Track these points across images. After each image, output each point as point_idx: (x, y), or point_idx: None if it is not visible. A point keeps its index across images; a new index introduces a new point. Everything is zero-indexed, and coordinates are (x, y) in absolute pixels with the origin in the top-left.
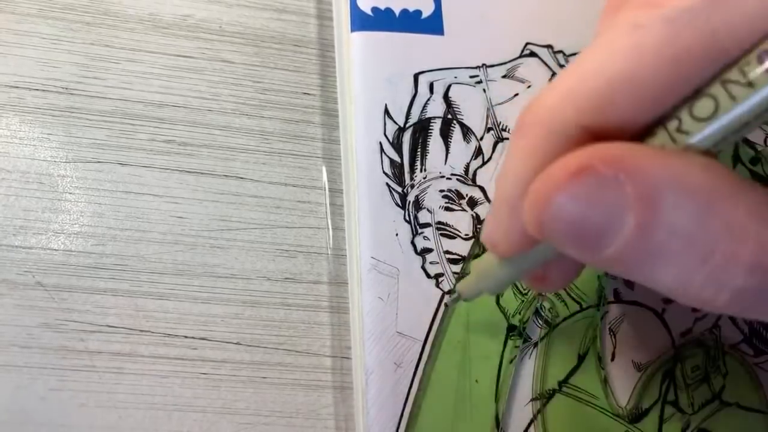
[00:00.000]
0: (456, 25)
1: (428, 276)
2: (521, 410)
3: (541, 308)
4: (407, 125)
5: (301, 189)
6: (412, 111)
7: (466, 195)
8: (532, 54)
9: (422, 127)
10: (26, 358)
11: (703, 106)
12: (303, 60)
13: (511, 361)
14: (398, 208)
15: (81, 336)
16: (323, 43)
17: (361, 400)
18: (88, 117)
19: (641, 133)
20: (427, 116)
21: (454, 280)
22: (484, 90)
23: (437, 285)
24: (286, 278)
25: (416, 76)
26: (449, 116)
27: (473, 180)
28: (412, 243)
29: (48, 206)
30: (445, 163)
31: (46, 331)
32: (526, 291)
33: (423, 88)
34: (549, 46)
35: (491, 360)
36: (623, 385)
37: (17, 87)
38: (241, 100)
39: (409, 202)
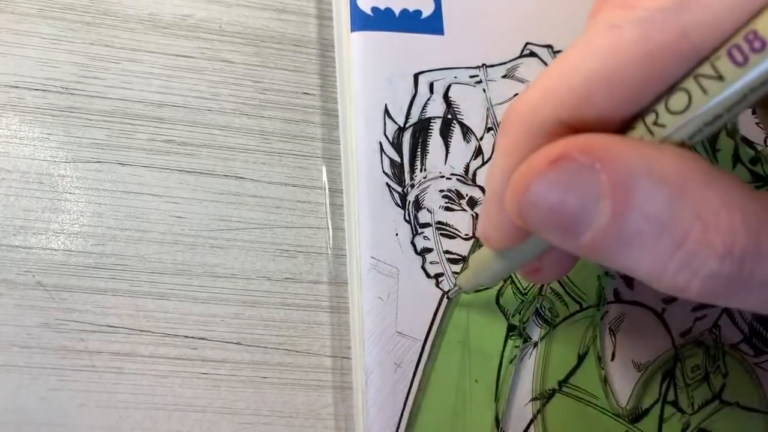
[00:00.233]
0: (456, 25)
1: (428, 276)
2: (521, 410)
3: (541, 308)
4: (407, 125)
5: (301, 189)
6: (412, 111)
7: (466, 195)
8: (532, 54)
9: (422, 127)
10: (26, 358)
11: (677, 99)
12: (303, 60)
13: (511, 361)
14: (398, 208)
15: (81, 336)
16: (323, 43)
17: (361, 400)
18: (88, 117)
19: (621, 128)
20: (427, 116)
21: (453, 280)
22: (484, 90)
23: (437, 285)
24: (286, 278)
25: (416, 76)
26: (449, 116)
27: (473, 180)
28: (412, 243)
29: (48, 206)
30: (445, 163)
31: (46, 331)
32: (526, 291)
33: (423, 88)
34: (549, 46)
35: (491, 360)
36: (623, 385)
37: (17, 87)
38: (241, 100)
39: (409, 201)
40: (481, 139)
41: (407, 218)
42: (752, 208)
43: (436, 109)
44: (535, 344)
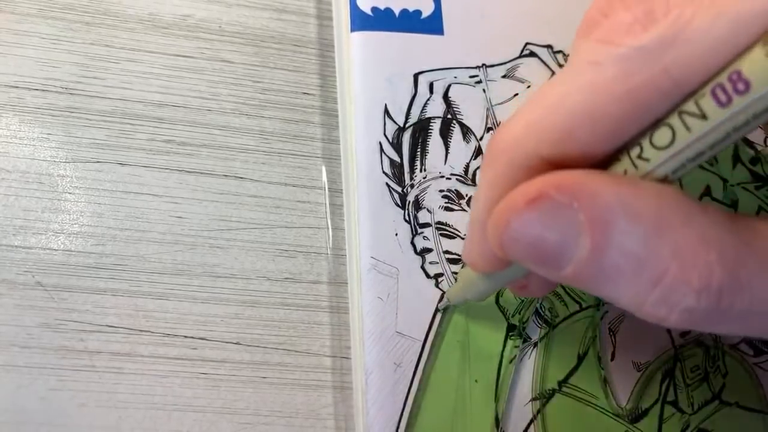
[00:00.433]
0: (456, 25)
1: (428, 276)
2: (521, 410)
3: (541, 308)
4: (407, 125)
5: (300, 189)
6: (411, 111)
7: (466, 195)
8: (532, 54)
9: (422, 127)
10: (26, 358)
11: (661, 135)
12: (303, 60)
13: (510, 361)
14: (398, 208)
15: (81, 336)
16: (323, 43)
17: (361, 400)
18: (87, 117)
19: (605, 160)
20: (426, 116)
21: (453, 280)
22: (484, 90)
23: (437, 285)
24: (286, 278)
25: (416, 76)
26: (449, 116)
27: (473, 180)
28: (412, 243)
29: (48, 206)
30: (445, 163)
31: (46, 331)
32: None
33: (423, 88)
34: (549, 46)
35: (491, 360)
36: (623, 385)
37: (17, 87)
38: (241, 100)
39: (409, 202)
40: (481, 139)
41: (407, 218)
42: (730, 242)
43: (436, 109)
44: (535, 344)
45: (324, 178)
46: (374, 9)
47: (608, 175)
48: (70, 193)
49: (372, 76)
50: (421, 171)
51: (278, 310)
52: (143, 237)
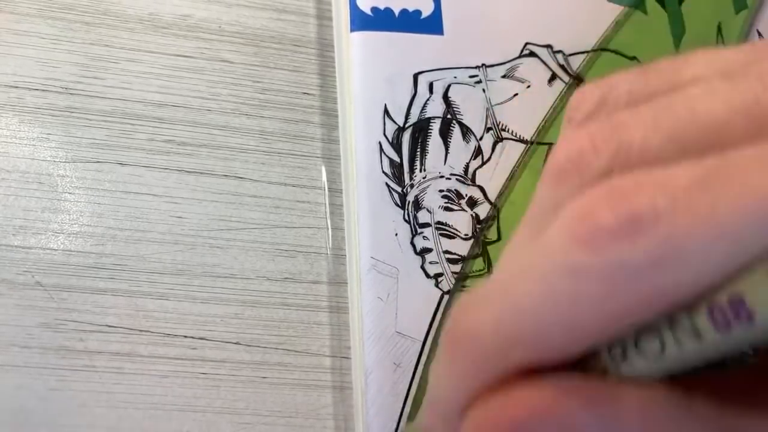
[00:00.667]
0: (456, 25)
1: (428, 276)
2: None
3: None
4: (407, 125)
5: (300, 189)
6: (411, 111)
7: (466, 195)
8: (532, 54)
9: (422, 127)
10: (26, 358)
11: (649, 344)
12: (303, 60)
13: None
14: (398, 208)
15: (80, 336)
16: (323, 43)
17: (361, 400)
18: (87, 117)
19: (580, 356)
20: (426, 116)
21: (453, 280)
22: (484, 90)
23: (437, 285)
24: (286, 278)
25: (416, 76)
26: (449, 116)
27: (473, 180)
28: (412, 243)
29: (47, 206)
30: (445, 163)
31: (46, 331)
32: None
33: (422, 88)
34: (549, 46)
35: None
36: None
37: (17, 87)
38: (241, 100)
39: (409, 202)
40: (481, 139)
41: (407, 218)
42: None
43: (436, 109)
44: None
45: (324, 178)
46: (374, 9)
47: (584, 386)
48: (69, 193)
49: (372, 76)
50: (420, 171)
51: (278, 310)
52: (143, 237)
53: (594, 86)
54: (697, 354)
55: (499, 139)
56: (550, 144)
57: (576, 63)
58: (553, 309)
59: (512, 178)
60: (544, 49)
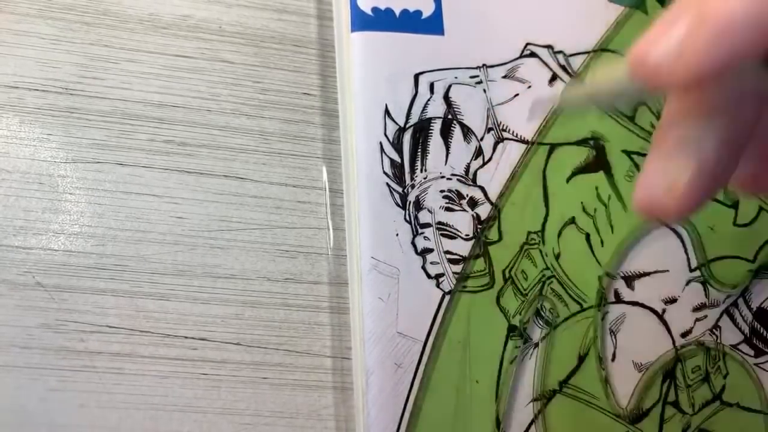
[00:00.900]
0: (456, 26)
1: (429, 276)
2: (522, 411)
3: (542, 309)
4: (407, 125)
5: (301, 189)
6: (412, 111)
7: (467, 195)
8: (533, 54)
9: (422, 128)
10: (26, 358)
11: None
12: (303, 60)
13: (511, 362)
14: (398, 208)
15: (81, 336)
16: (323, 43)
17: (362, 401)
18: (87, 117)
19: None
20: (427, 116)
21: (454, 281)
22: (485, 90)
23: (438, 285)
24: (287, 279)
25: (416, 77)
26: (449, 116)
27: (474, 180)
28: (413, 243)
29: (48, 206)
30: (446, 164)
31: (46, 331)
32: (526, 291)
33: (423, 88)
34: (549, 46)
35: (492, 360)
36: (624, 386)
37: (17, 87)
38: (241, 101)
39: (410, 202)
40: (482, 139)
41: (408, 218)
42: None
43: (437, 109)
44: (536, 345)
45: (324, 178)
46: (375, 9)
47: None
48: (70, 194)
49: (372, 77)
50: (421, 171)
51: (279, 311)
52: (144, 237)
53: None
54: None
55: (500, 140)
56: (551, 144)
57: (577, 63)
58: None
59: (513, 178)
60: (545, 50)
